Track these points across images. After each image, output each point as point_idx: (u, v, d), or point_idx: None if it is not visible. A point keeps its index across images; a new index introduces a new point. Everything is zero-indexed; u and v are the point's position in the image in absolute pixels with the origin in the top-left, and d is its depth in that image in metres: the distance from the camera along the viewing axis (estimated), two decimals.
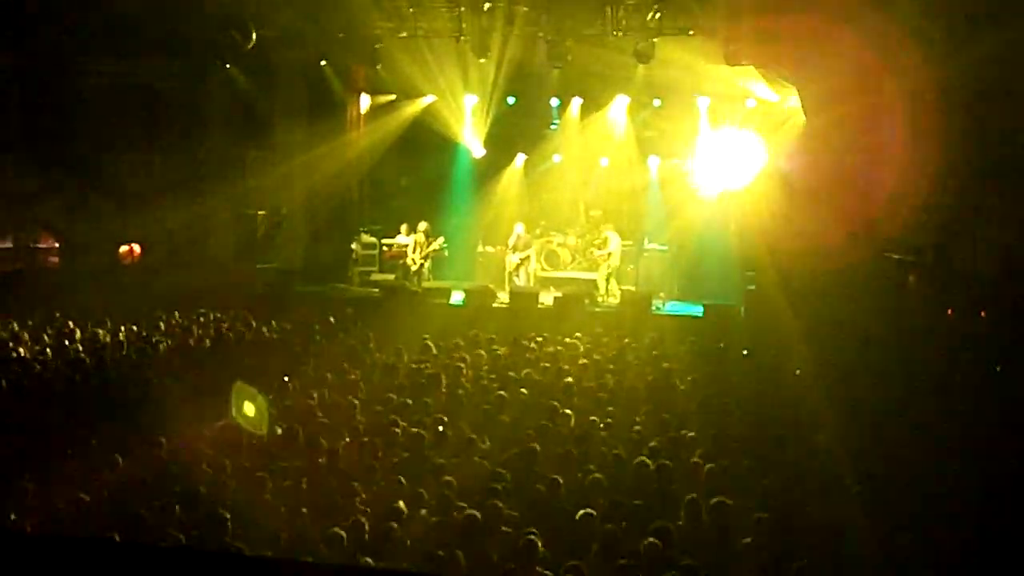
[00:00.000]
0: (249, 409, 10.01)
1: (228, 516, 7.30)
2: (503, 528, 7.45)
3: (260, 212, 20.90)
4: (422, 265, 19.77)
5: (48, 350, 13.21)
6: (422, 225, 19.70)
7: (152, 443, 9.21)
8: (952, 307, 15.90)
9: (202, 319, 15.71)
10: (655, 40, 17.29)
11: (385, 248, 20.98)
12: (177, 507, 7.75)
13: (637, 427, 10.22)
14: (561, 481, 8.31)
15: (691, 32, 17.08)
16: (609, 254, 19.04)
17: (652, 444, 9.53)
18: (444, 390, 11.62)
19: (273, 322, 15.81)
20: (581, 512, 7.55)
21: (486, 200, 21.72)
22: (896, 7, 15.83)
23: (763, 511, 7.82)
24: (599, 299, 18.78)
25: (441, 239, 19.73)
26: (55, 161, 19.17)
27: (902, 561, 7.20)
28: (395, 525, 7.33)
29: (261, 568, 3.43)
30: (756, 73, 17.52)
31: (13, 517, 7.44)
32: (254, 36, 17.39)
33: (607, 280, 19.00)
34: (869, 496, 8.28)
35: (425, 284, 19.70)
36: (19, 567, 3.15)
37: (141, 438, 9.39)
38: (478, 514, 7.45)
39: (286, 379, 11.88)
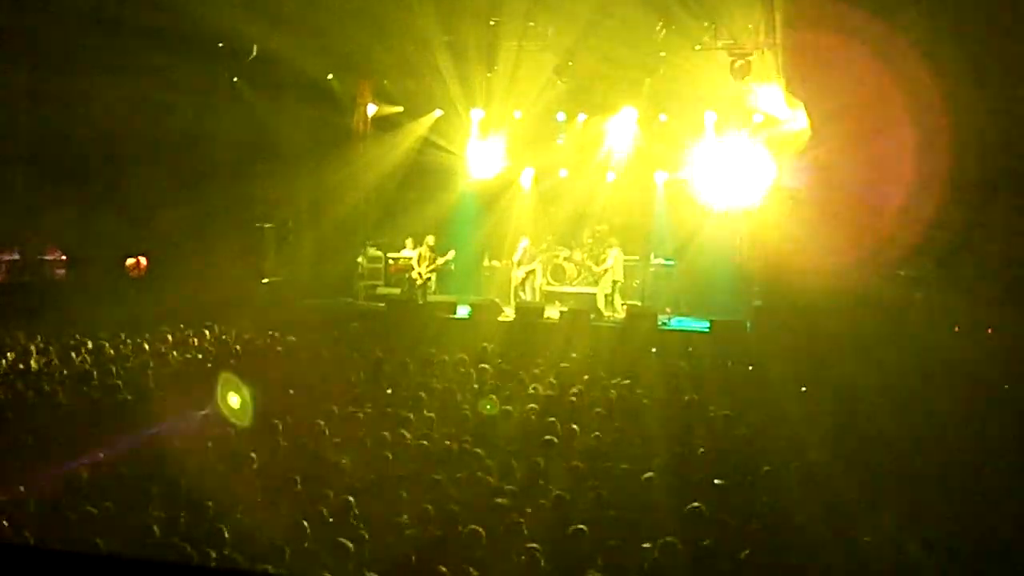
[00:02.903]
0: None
1: (230, 529, 7.30)
2: (507, 543, 7.42)
3: (267, 225, 20.92)
4: (428, 279, 19.71)
5: (55, 362, 13.23)
6: (428, 239, 19.66)
7: (157, 455, 9.23)
8: (958, 324, 15.88)
9: (208, 332, 15.72)
10: (662, 54, 17.34)
11: (391, 262, 20.98)
12: (182, 520, 7.74)
13: (642, 442, 10.20)
14: (567, 496, 8.29)
15: (698, 47, 17.09)
16: (606, 269, 18.94)
17: (657, 460, 9.52)
18: (449, 404, 11.61)
19: (278, 335, 15.82)
20: (586, 527, 7.52)
21: (492, 214, 21.70)
22: (904, 23, 15.88)
23: (764, 528, 7.79)
24: (604, 314, 18.72)
25: (452, 252, 19.51)
26: (62, 173, 19.20)
27: None
28: (399, 539, 7.32)
29: None
30: (765, 87, 17.49)
31: (18, 529, 7.43)
32: (254, 49, 17.43)
33: (611, 295, 18.90)
34: (873, 513, 8.24)
35: (430, 298, 19.65)
36: None
37: (147, 450, 9.41)
38: (481, 529, 7.43)
39: (291, 392, 11.88)
